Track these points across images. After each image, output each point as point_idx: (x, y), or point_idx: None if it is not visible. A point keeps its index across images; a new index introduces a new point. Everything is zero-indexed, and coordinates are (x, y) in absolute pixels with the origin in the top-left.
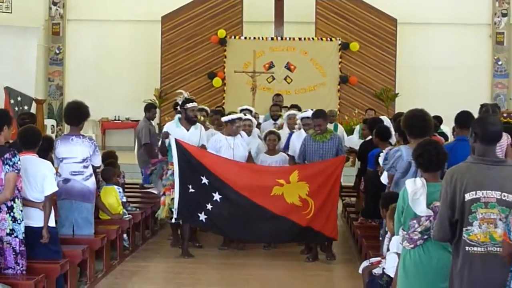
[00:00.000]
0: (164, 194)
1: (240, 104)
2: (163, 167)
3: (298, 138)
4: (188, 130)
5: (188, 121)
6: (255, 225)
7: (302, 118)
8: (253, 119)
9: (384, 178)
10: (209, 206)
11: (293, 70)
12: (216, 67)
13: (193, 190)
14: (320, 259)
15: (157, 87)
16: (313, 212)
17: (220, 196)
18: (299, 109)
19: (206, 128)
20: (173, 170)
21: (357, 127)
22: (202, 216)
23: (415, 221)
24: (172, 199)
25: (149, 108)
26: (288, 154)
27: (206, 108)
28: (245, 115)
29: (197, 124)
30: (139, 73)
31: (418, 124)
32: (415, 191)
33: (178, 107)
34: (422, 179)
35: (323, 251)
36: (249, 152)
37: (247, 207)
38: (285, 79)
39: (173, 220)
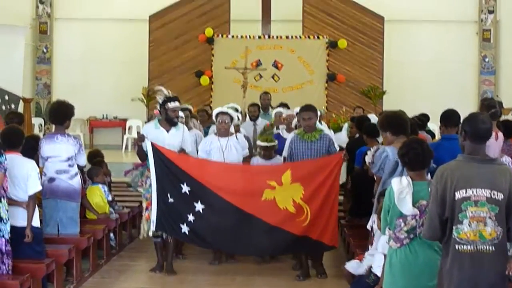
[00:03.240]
0: (147, 208)
1: (228, 103)
2: (144, 174)
3: (288, 138)
4: (168, 131)
5: (169, 122)
6: (244, 237)
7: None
8: (234, 114)
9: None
10: (191, 218)
11: (281, 68)
12: (204, 65)
13: (172, 200)
14: (311, 274)
15: (145, 86)
16: (309, 219)
17: (203, 206)
18: (288, 108)
19: (189, 128)
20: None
21: (345, 125)
22: (185, 228)
23: (401, 220)
24: None
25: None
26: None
27: (189, 106)
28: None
29: (179, 125)
30: (127, 72)
31: (397, 121)
32: (401, 190)
33: (158, 107)
34: (408, 178)
35: (313, 267)
36: (246, 156)
37: (235, 216)
38: (272, 77)
39: (151, 233)
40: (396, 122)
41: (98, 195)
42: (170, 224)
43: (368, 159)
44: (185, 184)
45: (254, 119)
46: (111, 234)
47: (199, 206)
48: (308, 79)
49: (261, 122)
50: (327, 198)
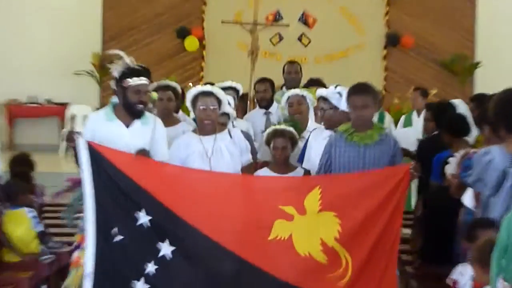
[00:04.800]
0: (78, 247)
1: (227, 79)
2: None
3: (319, 138)
4: (128, 126)
5: (129, 110)
6: None
7: (320, 98)
8: (224, 97)
9: (467, 199)
10: (151, 268)
11: (312, 24)
12: (190, 19)
13: (121, 237)
14: None
15: (96, 51)
16: (350, 274)
17: (172, 249)
18: (324, 87)
19: (171, 122)
20: None
21: (414, 116)
22: (140, 287)
23: None
24: None
25: None
26: (304, 169)
27: (173, 83)
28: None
29: (147, 115)
30: (68, 31)
31: None
32: None
33: (113, 84)
34: None
35: None
36: (247, 165)
37: (226, 266)
38: (299, 38)
39: None
40: None
41: (23, 224)
42: (115, 281)
43: (451, 169)
44: (143, 210)
45: (265, 104)
46: (44, 287)
47: (166, 249)
48: (357, 43)
49: (279, 111)
50: (382, 238)
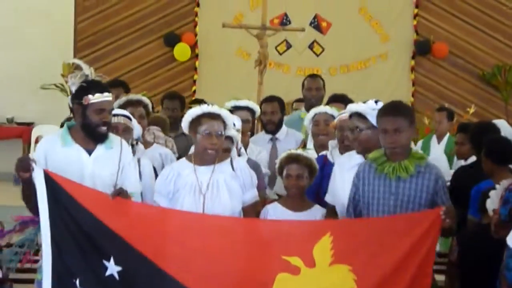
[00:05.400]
0: None
1: (224, 94)
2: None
3: (345, 167)
4: (90, 152)
5: (91, 132)
6: None
7: (354, 116)
8: (236, 120)
9: None
10: None
11: (326, 29)
12: (181, 23)
13: None
14: None
15: (67, 62)
16: None
17: None
18: (347, 103)
19: (147, 144)
20: None
21: (433, 141)
22: None
23: None
24: None
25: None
26: (326, 203)
27: (145, 99)
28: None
29: (111, 137)
30: (35, 38)
31: None
32: None
33: (70, 102)
34: None
35: None
36: (252, 204)
37: None
38: (310, 47)
39: None
40: None
41: None
42: None
43: (492, 204)
44: (111, 259)
45: (271, 129)
46: None
47: None
48: (379, 52)
49: (288, 137)
50: None
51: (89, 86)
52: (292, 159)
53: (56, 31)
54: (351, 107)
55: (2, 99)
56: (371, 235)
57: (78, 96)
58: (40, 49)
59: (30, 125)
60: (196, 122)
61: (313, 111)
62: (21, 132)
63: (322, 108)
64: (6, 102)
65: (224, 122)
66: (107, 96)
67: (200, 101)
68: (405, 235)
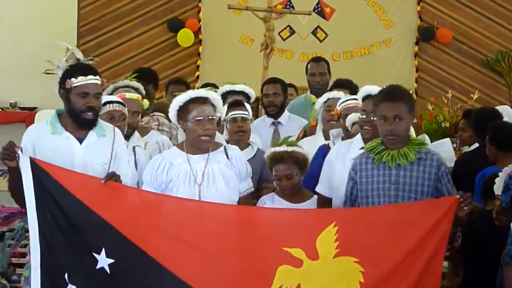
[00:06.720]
0: None
1: (227, 79)
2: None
3: (346, 157)
4: (81, 141)
5: (76, 118)
6: None
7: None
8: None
9: None
10: None
11: (330, 15)
12: (184, 9)
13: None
14: None
15: (71, 46)
16: None
17: None
18: (353, 91)
19: (144, 131)
20: None
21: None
22: None
23: None
24: None
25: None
26: (317, 194)
27: (136, 84)
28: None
29: (102, 124)
30: (38, 25)
31: None
32: None
33: (58, 86)
34: None
35: None
36: (248, 194)
37: None
38: (313, 32)
39: None
40: None
41: None
42: None
43: (498, 190)
44: (102, 252)
45: (274, 112)
46: None
47: None
48: (383, 37)
49: (290, 121)
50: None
51: (73, 69)
52: (276, 160)
53: (59, 16)
54: (365, 90)
55: (5, 83)
56: (380, 225)
57: (62, 80)
58: (42, 33)
59: (33, 110)
60: (184, 109)
61: (326, 95)
62: (24, 117)
63: (337, 93)
64: (9, 86)
65: (213, 105)
66: (91, 79)
67: (211, 85)
68: (416, 224)
